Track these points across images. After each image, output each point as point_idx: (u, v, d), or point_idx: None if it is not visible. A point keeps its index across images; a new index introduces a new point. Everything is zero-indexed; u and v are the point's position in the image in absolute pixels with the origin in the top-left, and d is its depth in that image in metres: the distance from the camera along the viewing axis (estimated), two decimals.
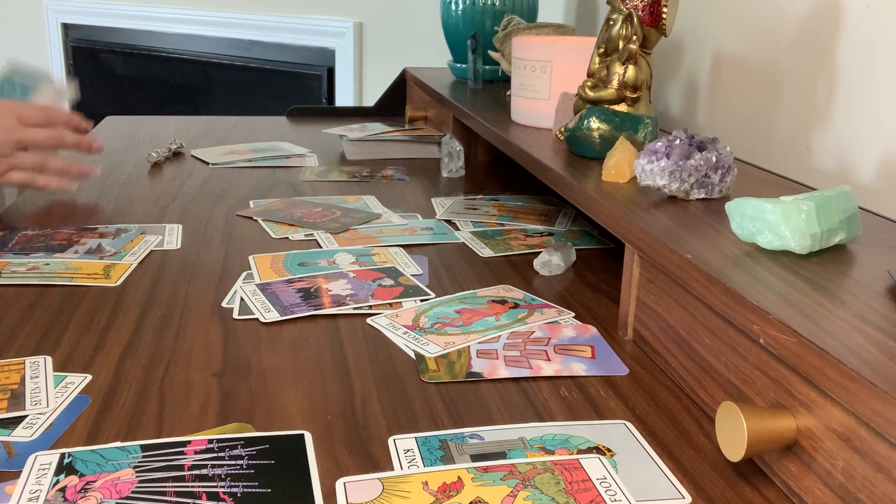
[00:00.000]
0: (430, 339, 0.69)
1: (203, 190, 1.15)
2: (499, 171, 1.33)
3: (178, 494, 0.47)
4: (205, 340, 0.68)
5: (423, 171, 1.31)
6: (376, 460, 0.52)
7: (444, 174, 1.27)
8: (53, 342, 0.67)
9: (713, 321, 0.58)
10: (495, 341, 0.69)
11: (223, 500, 0.47)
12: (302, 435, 0.54)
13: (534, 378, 0.63)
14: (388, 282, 0.81)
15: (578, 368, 0.65)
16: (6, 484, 0.48)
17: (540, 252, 0.89)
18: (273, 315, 0.72)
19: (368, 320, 0.72)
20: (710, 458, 0.54)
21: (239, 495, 0.47)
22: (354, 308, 0.75)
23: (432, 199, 1.13)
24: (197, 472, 0.49)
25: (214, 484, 0.48)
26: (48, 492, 0.47)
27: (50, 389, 0.59)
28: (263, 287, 0.79)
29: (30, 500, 0.47)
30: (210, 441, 0.52)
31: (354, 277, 0.81)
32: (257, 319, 0.72)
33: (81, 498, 0.47)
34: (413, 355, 0.66)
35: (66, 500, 0.47)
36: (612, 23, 0.92)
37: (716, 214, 0.71)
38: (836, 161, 0.87)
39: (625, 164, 0.82)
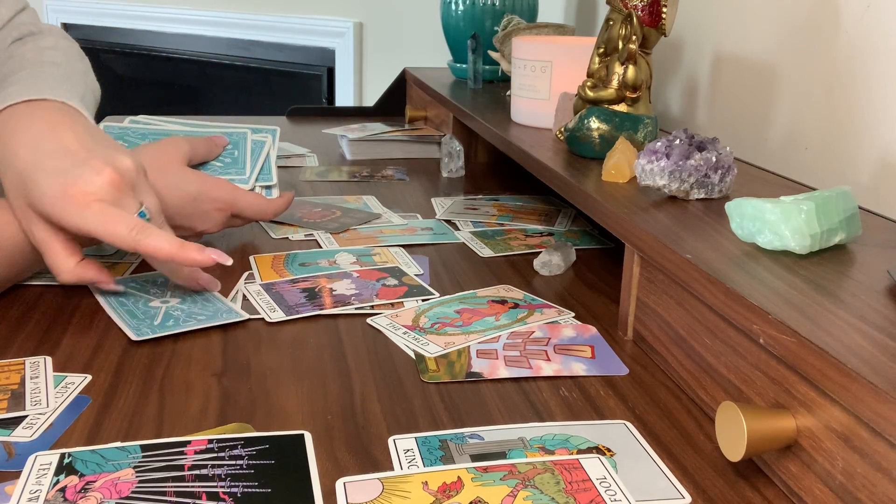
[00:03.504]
0: (430, 339, 0.69)
1: None
2: (499, 171, 1.33)
3: (178, 494, 0.47)
4: (205, 340, 0.68)
5: (423, 171, 1.31)
6: (376, 460, 0.52)
7: (444, 174, 1.27)
8: (53, 342, 0.67)
9: (713, 321, 0.58)
10: (495, 341, 0.69)
11: (223, 500, 0.47)
12: (302, 435, 0.54)
13: (534, 378, 0.63)
14: (392, 281, 0.80)
15: (578, 368, 0.65)
16: (6, 484, 0.48)
17: (540, 252, 0.89)
18: (278, 315, 0.72)
19: (368, 320, 0.72)
20: (710, 458, 0.54)
21: (239, 495, 0.47)
22: (357, 308, 0.74)
23: (432, 199, 1.13)
24: (197, 472, 0.49)
25: (214, 484, 0.48)
26: (48, 492, 0.47)
27: (50, 389, 0.59)
28: (268, 287, 0.79)
29: (30, 500, 0.47)
30: (210, 441, 0.52)
31: (359, 277, 0.81)
32: (257, 319, 0.72)
33: (81, 498, 0.47)
34: (413, 355, 0.66)
35: (66, 500, 0.47)
36: (611, 23, 0.91)
37: (716, 214, 0.71)
38: (835, 161, 0.87)
39: (625, 164, 0.82)
